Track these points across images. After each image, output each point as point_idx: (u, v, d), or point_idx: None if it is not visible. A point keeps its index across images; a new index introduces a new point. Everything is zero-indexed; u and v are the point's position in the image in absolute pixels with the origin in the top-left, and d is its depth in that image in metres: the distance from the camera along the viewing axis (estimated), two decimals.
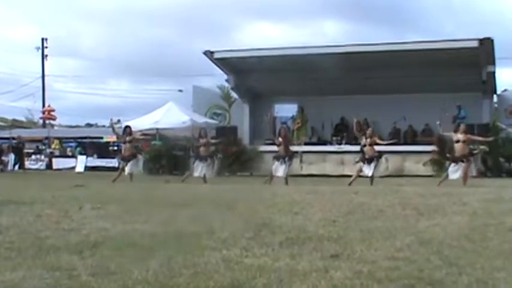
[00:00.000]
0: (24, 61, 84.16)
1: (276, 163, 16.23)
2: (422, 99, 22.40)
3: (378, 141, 16.08)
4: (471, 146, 17.25)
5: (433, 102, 21.83)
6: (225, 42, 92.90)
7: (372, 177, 15.26)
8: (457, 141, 14.79)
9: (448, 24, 79.64)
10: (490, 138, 17.07)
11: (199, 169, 16.89)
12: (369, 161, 15.46)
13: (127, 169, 17.08)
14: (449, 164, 15.04)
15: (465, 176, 14.56)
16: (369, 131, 15.99)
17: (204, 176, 16.81)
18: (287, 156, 16.28)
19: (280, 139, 16.52)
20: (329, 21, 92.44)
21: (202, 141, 17.27)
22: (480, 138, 16.34)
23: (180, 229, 6.17)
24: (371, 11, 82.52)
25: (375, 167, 15.41)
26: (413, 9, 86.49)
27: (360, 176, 15.44)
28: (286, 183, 15.79)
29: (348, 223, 6.53)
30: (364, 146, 15.63)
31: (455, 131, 15.03)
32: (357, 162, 15.84)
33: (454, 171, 14.68)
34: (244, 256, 4.60)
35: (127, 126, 18.43)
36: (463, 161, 14.67)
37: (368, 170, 15.38)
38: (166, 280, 3.85)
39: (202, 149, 17.17)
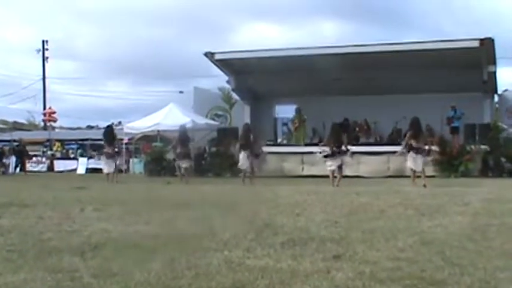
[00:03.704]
0: (23, 63, 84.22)
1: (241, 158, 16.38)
2: (423, 99, 22.35)
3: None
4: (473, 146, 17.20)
5: (434, 102, 21.83)
6: (222, 44, 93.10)
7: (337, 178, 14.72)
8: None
9: (446, 24, 79.55)
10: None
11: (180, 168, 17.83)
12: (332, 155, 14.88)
13: (104, 169, 17.55)
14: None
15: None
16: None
17: (182, 174, 17.58)
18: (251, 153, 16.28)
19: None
20: (327, 21, 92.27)
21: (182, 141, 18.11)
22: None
23: (182, 230, 6.17)
24: (369, 11, 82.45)
25: (339, 167, 14.79)
26: (411, 8, 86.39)
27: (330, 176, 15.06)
28: (251, 180, 15.97)
29: (349, 224, 6.53)
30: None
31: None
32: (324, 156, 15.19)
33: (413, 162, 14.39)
34: (246, 257, 4.60)
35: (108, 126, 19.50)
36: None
37: (331, 164, 14.85)
38: (169, 282, 3.84)
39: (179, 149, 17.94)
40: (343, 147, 14.95)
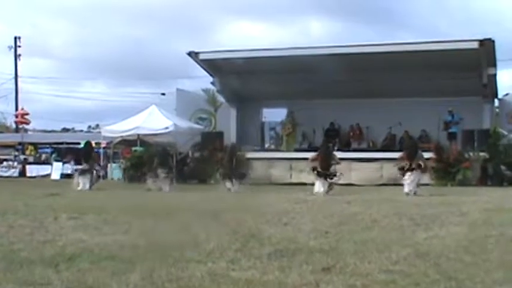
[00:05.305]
0: None
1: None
2: (419, 103, 22.46)
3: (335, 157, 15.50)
4: None
5: (430, 106, 21.94)
6: (204, 43, 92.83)
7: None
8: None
9: (441, 23, 79.75)
10: None
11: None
12: (320, 174, 14.77)
13: (80, 183, 17.42)
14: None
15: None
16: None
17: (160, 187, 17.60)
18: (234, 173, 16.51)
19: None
20: (315, 19, 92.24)
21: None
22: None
23: (163, 240, 6.15)
24: (359, 8, 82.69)
25: (328, 185, 14.49)
26: (404, 7, 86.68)
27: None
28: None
29: (340, 234, 6.54)
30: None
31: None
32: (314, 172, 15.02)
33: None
34: (230, 269, 4.60)
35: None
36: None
37: (319, 187, 14.56)
38: None
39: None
40: (331, 170, 14.89)
